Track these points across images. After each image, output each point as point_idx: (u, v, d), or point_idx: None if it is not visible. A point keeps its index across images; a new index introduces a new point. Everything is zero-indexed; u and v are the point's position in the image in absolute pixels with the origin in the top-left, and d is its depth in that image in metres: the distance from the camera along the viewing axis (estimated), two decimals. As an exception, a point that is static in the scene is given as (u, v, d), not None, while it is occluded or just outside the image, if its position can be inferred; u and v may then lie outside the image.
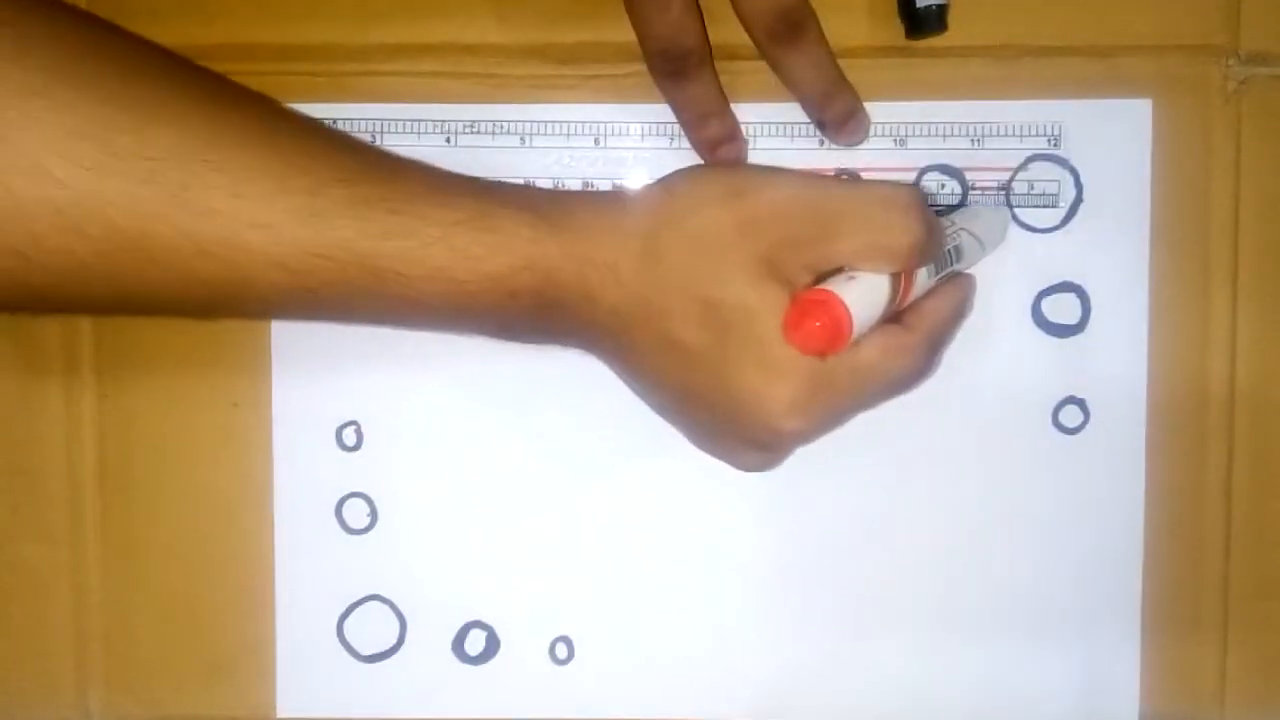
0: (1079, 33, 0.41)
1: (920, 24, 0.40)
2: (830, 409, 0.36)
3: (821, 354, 0.35)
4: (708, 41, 0.39)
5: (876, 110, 0.41)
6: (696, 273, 0.35)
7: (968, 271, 0.40)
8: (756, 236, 0.35)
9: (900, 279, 0.36)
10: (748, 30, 0.38)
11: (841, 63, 0.39)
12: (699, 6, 0.38)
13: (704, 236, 0.35)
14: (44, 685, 0.43)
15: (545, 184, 0.42)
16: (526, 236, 0.35)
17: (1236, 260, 0.41)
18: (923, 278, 0.37)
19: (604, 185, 0.42)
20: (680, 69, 0.39)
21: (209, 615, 0.43)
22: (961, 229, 0.39)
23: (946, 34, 0.41)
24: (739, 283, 0.35)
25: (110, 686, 0.43)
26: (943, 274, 0.38)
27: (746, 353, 0.35)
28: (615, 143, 0.42)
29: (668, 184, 0.37)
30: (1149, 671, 0.42)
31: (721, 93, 0.40)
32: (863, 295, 0.35)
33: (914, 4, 0.40)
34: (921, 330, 0.37)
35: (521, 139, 0.42)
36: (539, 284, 0.35)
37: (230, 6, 0.41)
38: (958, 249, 0.39)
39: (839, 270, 0.36)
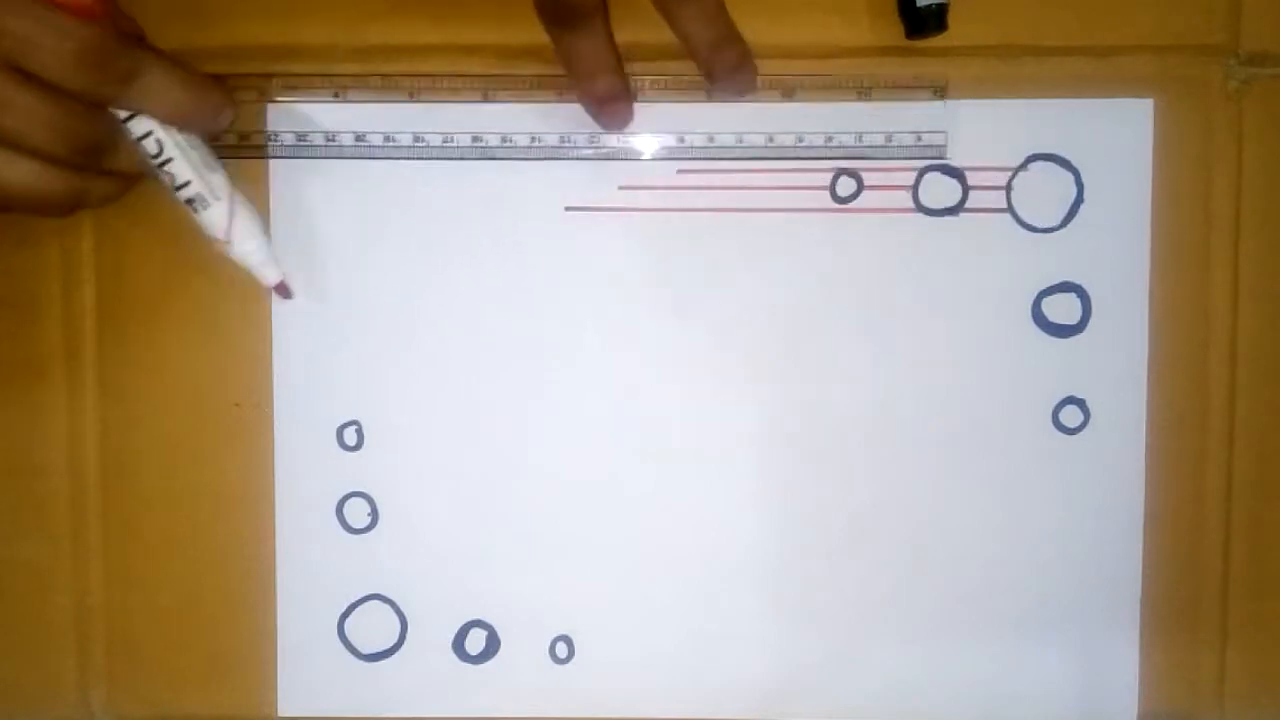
0: (1079, 33, 0.41)
1: (920, 24, 0.40)
2: None
3: None
4: None
5: (876, 110, 0.41)
6: None
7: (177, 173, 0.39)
8: None
9: None
10: None
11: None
12: None
13: None
14: (46, 684, 0.43)
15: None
16: None
17: (1237, 260, 0.41)
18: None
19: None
20: (568, 16, 0.37)
21: (210, 614, 0.43)
22: (200, 159, 0.38)
23: (946, 34, 0.40)
24: None
25: (112, 685, 0.43)
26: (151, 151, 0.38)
27: None
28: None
29: None
30: (1148, 671, 0.42)
31: (614, 49, 0.38)
32: None
33: (914, 4, 0.40)
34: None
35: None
36: None
37: (229, 8, 0.41)
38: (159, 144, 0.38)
39: None
